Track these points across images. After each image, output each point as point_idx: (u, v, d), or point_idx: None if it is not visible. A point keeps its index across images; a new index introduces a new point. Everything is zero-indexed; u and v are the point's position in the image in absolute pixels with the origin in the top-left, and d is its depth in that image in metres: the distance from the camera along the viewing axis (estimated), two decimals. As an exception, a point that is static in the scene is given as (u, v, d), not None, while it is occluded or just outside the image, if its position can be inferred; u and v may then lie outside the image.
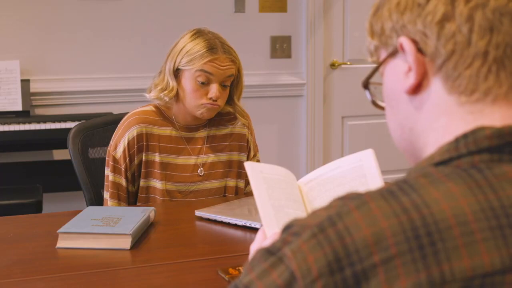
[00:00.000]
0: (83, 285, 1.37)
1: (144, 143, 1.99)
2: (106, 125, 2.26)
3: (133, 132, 1.98)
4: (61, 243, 1.57)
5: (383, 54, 0.75)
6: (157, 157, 2.01)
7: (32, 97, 3.31)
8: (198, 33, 1.99)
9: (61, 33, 3.41)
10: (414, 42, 0.70)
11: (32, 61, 3.36)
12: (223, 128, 2.11)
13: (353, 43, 3.88)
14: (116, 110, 3.19)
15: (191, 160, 2.04)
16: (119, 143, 1.99)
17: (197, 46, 1.95)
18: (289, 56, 3.80)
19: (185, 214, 1.85)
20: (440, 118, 0.69)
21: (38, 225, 1.79)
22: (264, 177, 1.10)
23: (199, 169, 2.04)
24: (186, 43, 1.97)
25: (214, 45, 1.95)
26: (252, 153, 2.16)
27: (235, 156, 2.11)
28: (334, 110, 3.94)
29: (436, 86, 0.70)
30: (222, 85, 1.98)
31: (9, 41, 3.33)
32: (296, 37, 3.80)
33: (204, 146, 2.07)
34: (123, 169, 1.99)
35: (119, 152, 1.98)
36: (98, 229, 1.58)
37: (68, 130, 2.37)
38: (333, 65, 3.88)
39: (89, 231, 1.57)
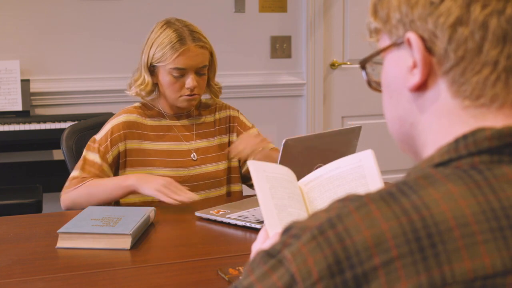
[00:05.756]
0: (83, 285, 1.37)
1: (132, 130, 2.02)
2: (98, 126, 2.25)
3: (120, 119, 2.03)
4: (61, 243, 1.57)
5: (385, 40, 0.73)
6: (148, 145, 2.04)
7: (32, 97, 3.31)
8: (166, 25, 2.01)
9: (61, 33, 3.41)
10: (422, 39, 0.68)
11: (32, 61, 3.36)
12: (208, 117, 2.15)
13: (353, 43, 3.88)
14: (116, 110, 3.15)
15: (184, 146, 2.08)
16: (104, 128, 2.03)
17: (166, 40, 1.97)
18: (289, 56, 3.80)
19: (185, 214, 1.85)
20: (441, 120, 0.69)
21: (38, 225, 1.79)
22: (267, 176, 1.09)
23: (192, 154, 2.07)
24: (156, 37, 2.00)
25: (182, 36, 1.97)
26: (249, 124, 2.19)
27: (225, 139, 2.15)
28: (334, 110, 3.93)
29: (440, 88, 0.68)
30: (198, 74, 2.01)
31: (9, 41, 3.33)
32: (296, 37, 3.80)
33: (194, 132, 2.11)
34: (96, 146, 1.99)
35: (101, 134, 2.01)
36: (98, 229, 1.58)
37: (68, 130, 2.36)
38: (333, 65, 3.88)
39: (89, 231, 1.57)
